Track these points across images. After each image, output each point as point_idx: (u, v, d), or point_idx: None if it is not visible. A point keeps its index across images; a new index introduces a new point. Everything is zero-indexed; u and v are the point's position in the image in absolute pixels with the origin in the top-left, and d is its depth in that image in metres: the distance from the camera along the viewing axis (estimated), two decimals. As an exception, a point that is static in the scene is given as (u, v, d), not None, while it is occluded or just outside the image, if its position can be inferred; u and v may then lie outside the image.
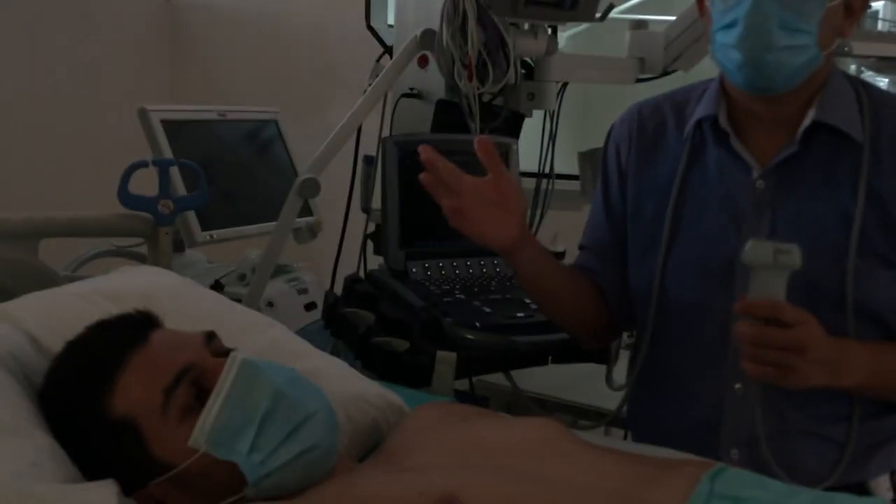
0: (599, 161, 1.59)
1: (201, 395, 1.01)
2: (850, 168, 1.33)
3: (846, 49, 2.01)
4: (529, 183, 2.17)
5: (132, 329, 1.08)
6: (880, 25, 2.54)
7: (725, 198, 1.39)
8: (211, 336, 1.07)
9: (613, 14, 3.10)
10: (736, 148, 1.39)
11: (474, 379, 1.94)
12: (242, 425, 0.99)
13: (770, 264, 1.18)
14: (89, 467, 1.01)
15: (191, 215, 1.90)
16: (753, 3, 1.26)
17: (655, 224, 1.45)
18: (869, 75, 2.55)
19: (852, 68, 2.54)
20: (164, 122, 1.94)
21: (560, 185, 2.22)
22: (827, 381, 1.26)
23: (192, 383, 1.01)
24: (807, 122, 1.34)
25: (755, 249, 1.19)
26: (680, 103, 1.50)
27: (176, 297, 1.34)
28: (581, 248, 1.62)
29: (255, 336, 1.32)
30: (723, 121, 1.40)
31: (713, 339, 1.37)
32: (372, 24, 2.55)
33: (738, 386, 1.36)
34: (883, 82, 2.65)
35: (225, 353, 1.06)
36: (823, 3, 1.27)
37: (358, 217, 2.09)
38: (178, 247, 2.02)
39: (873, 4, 2.54)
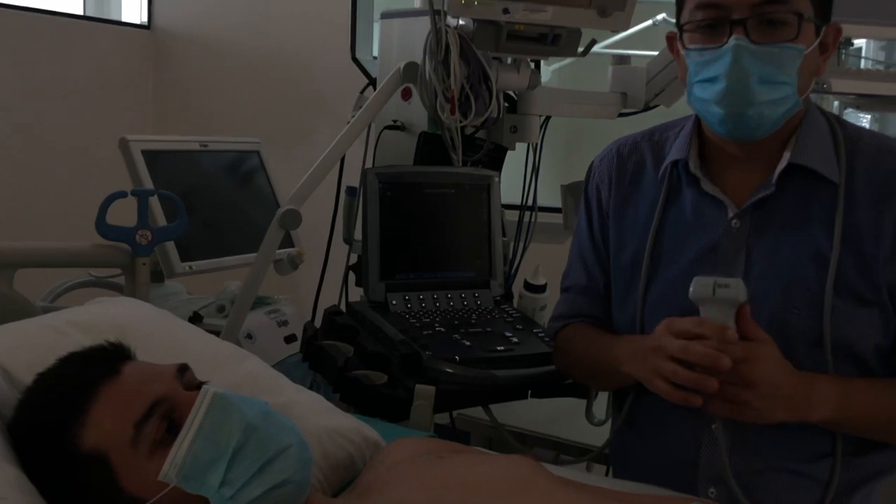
0: (581, 198, 1.59)
1: (172, 428, 1.00)
2: (825, 207, 1.33)
3: (825, 86, 2.02)
4: (512, 215, 2.17)
5: (104, 361, 1.06)
6: (863, 63, 2.57)
7: (702, 237, 1.39)
8: (183, 369, 1.06)
9: (598, 49, 3.13)
10: (708, 190, 1.39)
11: (455, 413, 1.94)
12: (213, 459, 0.97)
13: (711, 298, 1.21)
14: (58, 501, 1.00)
15: (170, 246, 1.89)
16: (733, 61, 1.26)
17: (635, 263, 1.45)
18: (850, 112, 2.57)
19: (835, 105, 2.56)
20: (145, 153, 1.94)
21: (543, 217, 2.22)
22: (793, 416, 1.26)
23: (163, 416, 1.00)
24: (782, 164, 1.34)
25: (698, 284, 1.23)
26: (657, 142, 1.50)
27: (150, 328, 1.33)
28: (568, 289, 1.60)
29: (231, 369, 1.31)
30: (693, 165, 1.41)
31: None
32: (357, 55, 2.56)
33: (714, 426, 1.35)
34: (865, 119, 2.67)
35: (197, 386, 1.05)
36: (801, 51, 1.28)
37: (341, 248, 2.08)
38: (158, 277, 2.01)
39: (856, 42, 2.57)
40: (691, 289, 1.24)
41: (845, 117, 2.57)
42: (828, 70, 2.17)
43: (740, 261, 1.35)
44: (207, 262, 2.01)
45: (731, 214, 1.38)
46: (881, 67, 2.55)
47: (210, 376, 1.12)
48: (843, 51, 2.55)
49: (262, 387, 1.28)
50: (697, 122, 1.43)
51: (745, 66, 1.26)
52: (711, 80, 1.29)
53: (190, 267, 1.96)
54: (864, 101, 2.29)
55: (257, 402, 1.04)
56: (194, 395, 1.00)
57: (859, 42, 2.61)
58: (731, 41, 1.26)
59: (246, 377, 1.31)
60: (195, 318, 1.97)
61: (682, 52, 1.34)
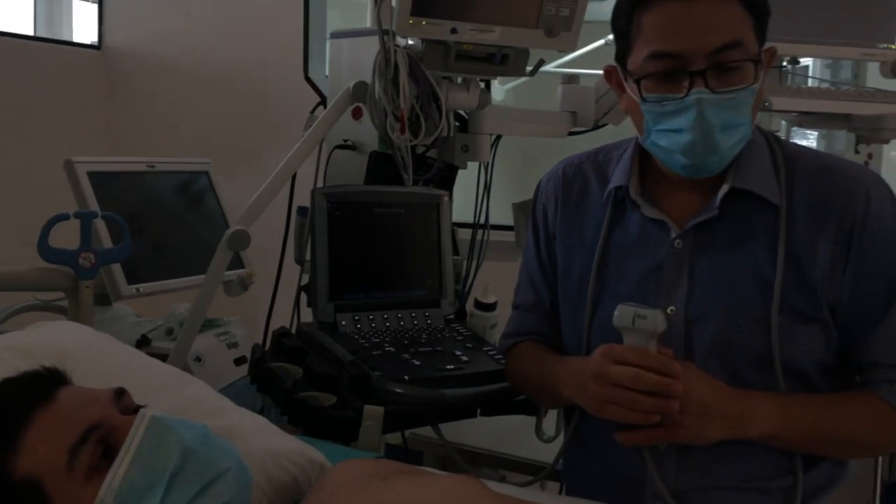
0: (528, 218, 1.60)
1: (109, 453, 0.98)
2: (767, 228, 1.35)
3: (766, 104, 2.05)
4: (465, 233, 2.17)
5: (38, 387, 1.04)
6: (810, 82, 2.61)
7: (646, 257, 1.40)
8: (120, 393, 1.04)
9: (551, 68, 3.15)
10: (649, 215, 1.41)
11: (408, 433, 1.93)
12: (151, 484, 0.96)
13: (630, 327, 1.25)
14: (-8, 529, 0.98)
15: (116, 268, 1.87)
16: (698, 115, 1.27)
17: (582, 284, 1.46)
18: (797, 130, 2.61)
19: (783, 125, 2.60)
20: (91, 174, 1.91)
21: (495, 235, 2.22)
22: (730, 434, 1.27)
23: (99, 441, 0.98)
24: (724, 189, 1.35)
25: (620, 312, 1.27)
26: (601, 163, 1.51)
27: (91, 353, 1.31)
28: (518, 307, 1.61)
29: (173, 393, 1.29)
30: (633, 192, 1.42)
31: None
32: (310, 74, 2.56)
33: (661, 443, 1.36)
34: (813, 136, 2.71)
35: (134, 410, 1.03)
36: (755, 90, 1.30)
37: (293, 269, 2.07)
38: (105, 300, 1.98)
39: (802, 61, 2.61)
40: (614, 316, 1.27)
41: (792, 135, 2.63)
42: (770, 89, 2.22)
43: (683, 281, 1.37)
44: (156, 285, 1.99)
45: (673, 235, 1.39)
46: (827, 86, 2.59)
47: (152, 401, 1.10)
48: (790, 69, 2.59)
49: (205, 410, 1.26)
50: (638, 146, 1.45)
51: (709, 118, 1.27)
52: (676, 132, 1.30)
53: (137, 289, 1.93)
54: (807, 119, 2.33)
55: (195, 426, 1.02)
56: (131, 420, 0.99)
57: (806, 61, 2.65)
58: (694, 94, 1.26)
59: (188, 401, 1.29)
60: (143, 342, 1.94)
61: (633, 96, 1.34)
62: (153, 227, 2.06)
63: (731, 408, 1.27)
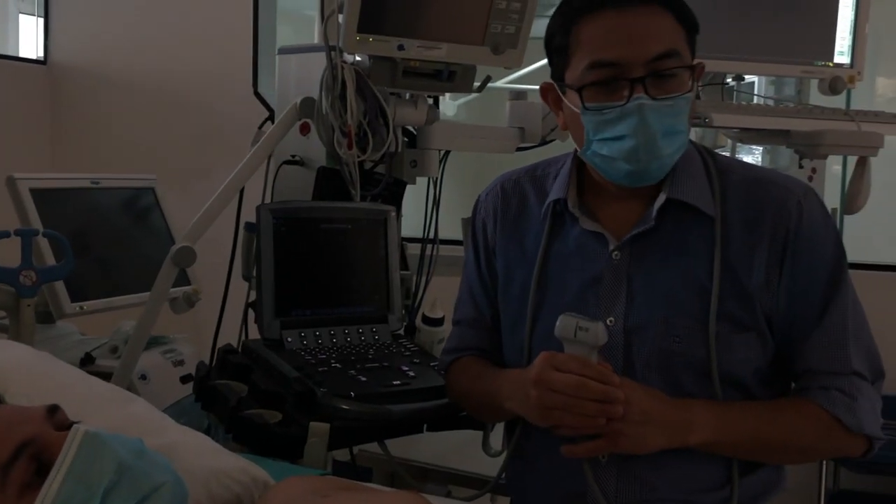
0: (468, 233, 1.61)
1: (42, 470, 0.96)
2: (703, 238, 1.37)
3: (706, 120, 2.09)
4: (414, 248, 2.17)
5: (-30, 406, 1.02)
6: (755, 99, 2.66)
7: (585, 269, 1.42)
8: (53, 409, 1.03)
9: (501, 84, 3.17)
10: (587, 228, 1.43)
11: (357, 449, 1.93)
12: (85, 499, 0.94)
13: (572, 339, 1.26)
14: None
15: (59, 286, 1.84)
16: (639, 120, 1.29)
17: (523, 296, 1.47)
18: (742, 146, 2.65)
19: (728, 142, 2.64)
20: (34, 191, 1.89)
21: (445, 250, 2.23)
22: (669, 442, 1.29)
23: (31, 458, 0.97)
24: (660, 200, 1.38)
25: (562, 323, 1.27)
26: (539, 178, 1.53)
27: (29, 372, 1.29)
28: (458, 322, 1.61)
29: (113, 411, 1.28)
30: (571, 205, 1.44)
31: None
32: (259, 90, 2.56)
33: (603, 456, 1.37)
34: (758, 151, 2.76)
35: (68, 426, 1.01)
36: (689, 98, 1.33)
37: (240, 285, 2.05)
38: (48, 318, 1.96)
39: (747, 78, 2.66)
40: (556, 326, 1.28)
41: (738, 151, 2.67)
42: (712, 105, 2.26)
43: (622, 292, 1.38)
44: (100, 302, 1.97)
45: (611, 247, 1.41)
46: (770, 102, 2.63)
47: (91, 419, 1.08)
48: (735, 86, 2.63)
49: (145, 428, 1.24)
50: (576, 160, 1.47)
51: (651, 123, 1.30)
52: (618, 139, 1.32)
53: (81, 307, 1.91)
54: (749, 135, 2.37)
55: (131, 441, 1.01)
56: (65, 436, 0.97)
57: (751, 78, 2.70)
58: (635, 101, 1.29)
59: (129, 419, 1.27)
60: (87, 360, 1.92)
61: (572, 107, 1.36)
62: (98, 244, 2.04)
63: (671, 416, 1.29)
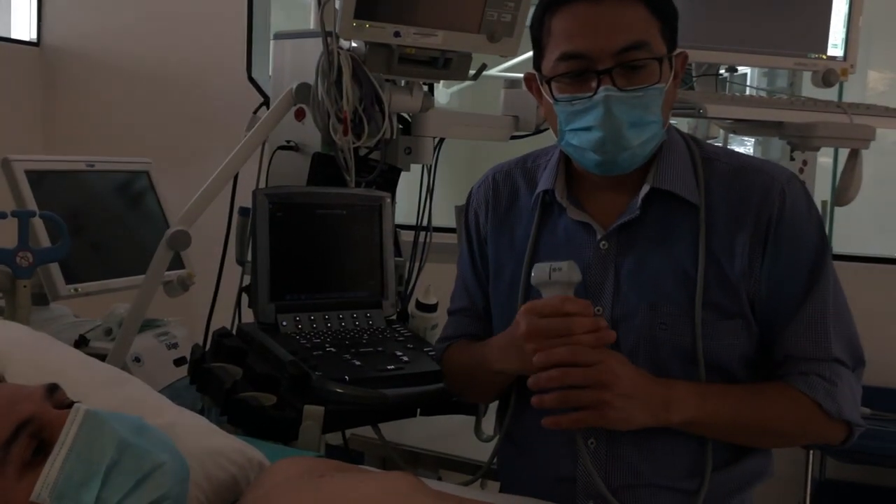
0: (461, 224, 1.62)
1: (42, 448, 0.97)
2: (688, 227, 1.39)
3: (700, 111, 2.10)
4: (408, 235, 2.19)
5: (-31, 385, 1.03)
6: (748, 91, 2.67)
7: (573, 258, 1.42)
8: (53, 388, 1.04)
9: (495, 72, 3.18)
10: (575, 217, 1.44)
11: (349, 433, 1.94)
12: (87, 477, 0.95)
13: (548, 281, 1.29)
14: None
15: (54, 268, 1.84)
16: (605, 111, 1.31)
17: (513, 286, 1.49)
18: (735, 136, 2.67)
19: (721, 133, 2.66)
20: (29, 173, 1.89)
21: (438, 237, 2.24)
22: (653, 419, 1.31)
23: (31, 436, 0.98)
24: (645, 189, 1.40)
25: (536, 270, 1.31)
26: (530, 170, 1.55)
27: (27, 352, 1.29)
28: (454, 312, 1.63)
29: (110, 392, 1.28)
30: (559, 195, 1.46)
31: None
32: (253, 75, 2.55)
33: (591, 440, 1.39)
34: (750, 142, 2.78)
35: (69, 405, 1.02)
36: (662, 90, 1.35)
37: (234, 270, 2.06)
38: (42, 300, 1.96)
39: (740, 69, 2.67)
40: (531, 276, 1.31)
41: (730, 142, 2.69)
42: (706, 96, 2.27)
43: (609, 280, 1.40)
44: (94, 284, 1.97)
45: (599, 236, 1.42)
46: (763, 94, 2.65)
47: (90, 399, 1.09)
48: (728, 77, 2.65)
49: (142, 409, 1.24)
50: (563, 151, 1.48)
51: (617, 114, 1.31)
52: (586, 130, 1.34)
53: (76, 289, 1.91)
54: (742, 126, 2.39)
55: (131, 419, 1.02)
56: (65, 414, 0.98)
57: (744, 69, 2.71)
58: (601, 92, 1.31)
59: (126, 400, 1.28)
60: (81, 342, 1.92)
61: (548, 98, 1.38)
62: (92, 227, 2.04)
63: (655, 392, 1.31)
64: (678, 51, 1.39)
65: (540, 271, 1.30)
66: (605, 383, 1.26)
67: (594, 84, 1.32)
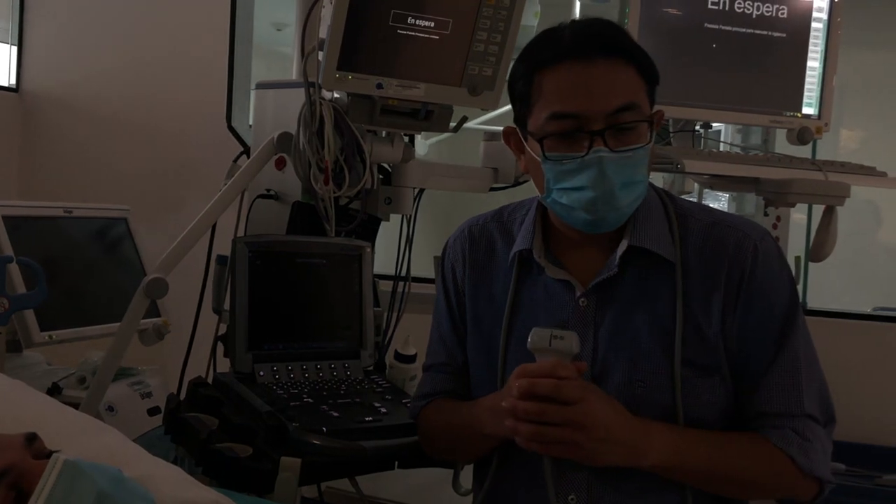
0: (438, 277, 1.61)
1: (21, 498, 0.96)
2: (666, 284, 1.39)
3: (678, 167, 2.12)
4: (386, 285, 2.18)
5: (-55, 434, 1.01)
6: (721, 146, 2.71)
7: (553, 315, 1.43)
8: (32, 438, 1.02)
9: (472, 125, 3.21)
10: (553, 276, 1.44)
11: (325, 485, 1.91)
12: None
13: (547, 348, 1.28)
14: None
15: (29, 314, 1.83)
16: (598, 172, 1.32)
17: (492, 340, 1.48)
18: (708, 192, 2.70)
19: (696, 188, 2.69)
20: (6, 219, 1.88)
21: (417, 287, 2.24)
22: (624, 461, 1.30)
23: (10, 487, 0.96)
24: (623, 247, 1.40)
25: (535, 335, 1.30)
26: (506, 223, 1.55)
27: (3, 400, 1.28)
28: (430, 368, 1.61)
29: (86, 441, 1.26)
30: (537, 255, 1.46)
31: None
32: (233, 123, 2.56)
33: (571, 497, 1.38)
34: (724, 197, 2.81)
35: (47, 454, 1.01)
36: (648, 149, 1.36)
37: (210, 318, 2.05)
38: (16, 347, 1.93)
39: (714, 125, 2.71)
40: (529, 339, 1.30)
41: (704, 196, 2.72)
42: (684, 152, 2.30)
43: (589, 337, 1.40)
44: (69, 332, 1.95)
45: (578, 293, 1.43)
46: (738, 150, 2.69)
47: (65, 448, 1.08)
48: (703, 133, 2.68)
49: (118, 459, 1.23)
50: (540, 208, 1.49)
51: (610, 175, 1.32)
52: (577, 189, 1.34)
53: (50, 336, 1.89)
54: (718, 182, 2.41)
55: (109, 470, 1.01)
56: (44, 464, 0.97)
57: (718, 125, 2.75)
58: (594, 153, 1.31)
59: (102, 449, 1.26)
60: (54, 390, 1.90)
61: (534, 155, 1.38)
62: (68, 274, 2.03)
63: (629, 437, 1.30)
64: (656, 109, 1.40)
65: (539, 337, 1.29)
66: (581, 425, 1.26)
67: (586, 144, 1.32)
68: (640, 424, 1.32)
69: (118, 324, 1.83)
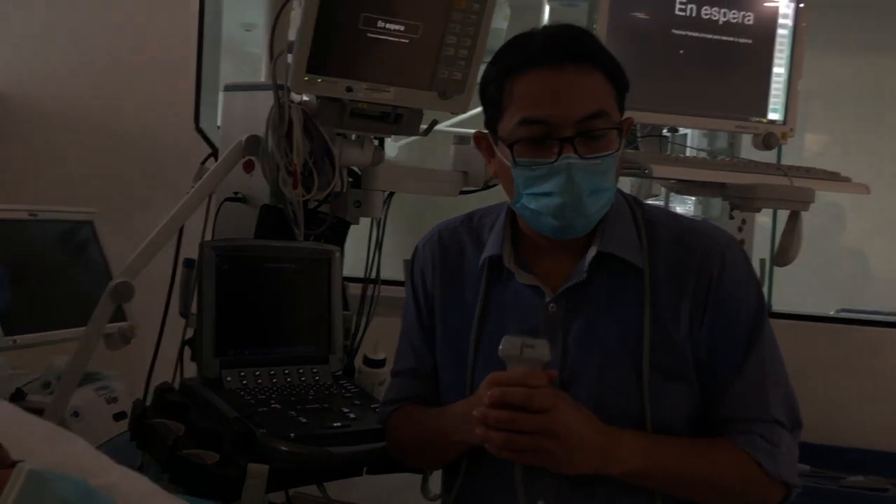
0: (407, 282, 1.61)
1: None
2: (634, 290, 1.40)
3: (646, 171, 2.14)
4: (355, 288, 2.17)
5: None
6: (688, 151, 2.73)
7: (522, 320, 1.43)
8: (-5, 447, 1.01)
9: (442, 127, 3.21)
10: (523, 282, 1.45)
11: (292, 492, 1.91)
12: None
13: (518, 356, 1.29)
14: None
15: (-8, 318, 1.80)
16: (567, 179, 1.32)
17: (462, 345, 1.48)
18: (675, 196, 2.72)
19: (663, 191, 2.71)
20: (-32, 221, 1.85)
21: (387, 291, 2.23)
22: (594, 470, 1.31)
23: None
24: (591, 253, 1.41)
25: (507, 343, 1.31)
26: (475, 228, 1.55)
27: (-37, 408, 1.25)
28: (399, 373, 1.61)
29: (48, 450, 1.24)
30: (507, 261, 1.46)
31: None
32: (201, 125, 2.54)
33: (540, 502, 1.38)
34: (690, 201, 2.84)
35: (11, 465, 0.99)
36: (618, 156, 1.37)
37: (176, 322, 2.03)
38: (-23, 352, 1.91)
39: (681, 129, 2.74)
40: (500, 347, 1.31)
41: (671, 200, 2.74)
42: (651, 157, 2.32)
43: (558, 343, 1.40)
44: (33, 336, 1.92)
45: (547, 299, 1.43)
46: (704, 155, 2.71)
47: (28, 457, 1.06)
48: (670, 137, 2.70)
49: (84, 468, 1.21)
50: (510, 213, 1.49)
51: (578, 181, 1.33)
52: (546, 195, 1.35)
53: (14, 340, 1.86)
54: (685, 186, 2.43)
55: (75, 481, 1.00)
56: (7, 474, 0.95)
57: (684, 130, 2.77)
58: (563, 160, 1.32)
59: (69, 458, 1.24)
60: (17, 395, 1.87)
61: (504, 160, 1.39)
62: (33, 277, 2.00)
63: (600, 442, 1.31)
64: (625, 116, 1.41)
65: (510, 345, 1.30)
66: (553, 433, 1.26)
67: (556, 150, 1.33)
68: (611, 432, 1.32)
69: (84, 328, 1.81)
